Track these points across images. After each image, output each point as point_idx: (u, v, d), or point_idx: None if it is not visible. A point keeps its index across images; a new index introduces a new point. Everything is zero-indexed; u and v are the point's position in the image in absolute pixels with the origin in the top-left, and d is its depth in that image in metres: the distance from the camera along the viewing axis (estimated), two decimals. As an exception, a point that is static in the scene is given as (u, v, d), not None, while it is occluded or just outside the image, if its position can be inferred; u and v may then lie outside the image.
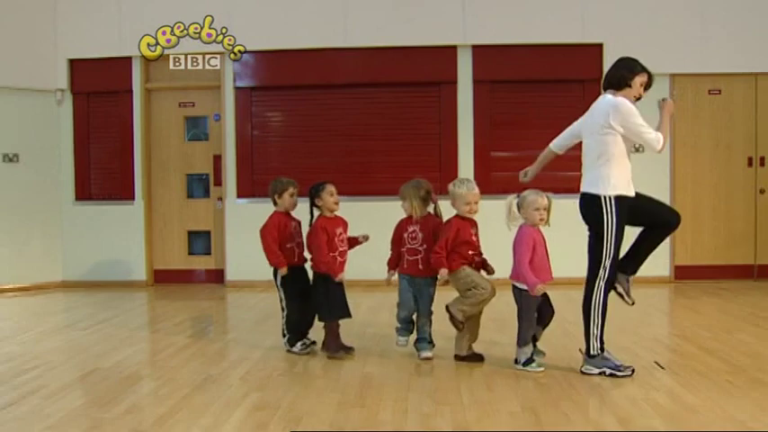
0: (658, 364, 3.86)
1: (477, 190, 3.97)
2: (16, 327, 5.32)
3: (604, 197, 3.61)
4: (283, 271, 4.20)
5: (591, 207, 3.66)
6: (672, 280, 7.02)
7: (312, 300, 4.20)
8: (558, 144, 4.06)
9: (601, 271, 3.64)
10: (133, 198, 7.39)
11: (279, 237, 4.23)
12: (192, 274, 7.52)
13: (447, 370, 3.85)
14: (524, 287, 3.76)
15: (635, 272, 3.84)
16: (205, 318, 5.64)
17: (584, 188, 3.73)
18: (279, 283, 4.27)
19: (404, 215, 4.17)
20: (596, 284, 3.65)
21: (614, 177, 3.61)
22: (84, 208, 7.44)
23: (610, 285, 3.67)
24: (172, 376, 3.80)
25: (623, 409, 3.20)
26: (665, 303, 6.16)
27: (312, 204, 4.23)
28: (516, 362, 3.83)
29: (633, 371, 3.65)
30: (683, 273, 7.04)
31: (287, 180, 4.37)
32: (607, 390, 3.48)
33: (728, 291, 6.50)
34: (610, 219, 3.60)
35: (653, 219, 3.79)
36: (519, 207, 3.79)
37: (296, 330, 4.25)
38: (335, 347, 4.14)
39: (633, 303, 3.84)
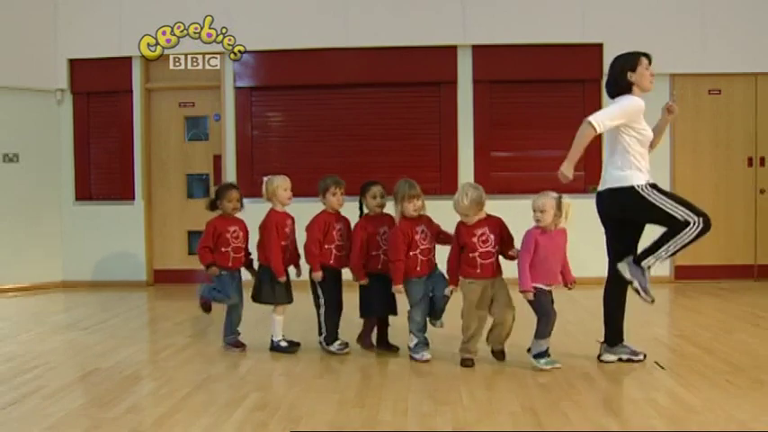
0: (658, 364, 3.86)
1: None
2: (16, 327, 5.31)
3: (638, 186, 3.66)
4: (317, 276, 4.19)
5: (624, 200, 3.68)
6: (672, 280, 7.02)
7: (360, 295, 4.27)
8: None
9: (692, 220, 3.63)
10: (133, 198, 7.39)
11: (322, 237, 4.21)
12: (192, 274, 7.48)
13: (447, 370, 3.85)
14: (536, 285, 3.76)
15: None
16: (205, 318, 5.62)
17: (609, 185, 3.74)
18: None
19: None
20: (691, 226, 3.63)
21: (639, 169, 3.68)
22: (84, 208, 7.44)
23: (707, 227, 3.66)
24: (172, 376, 3.81)
25: (623, 409, 3.20)
26: (665, 303, 6.15)
27: (361, 202, 4.29)
28: (529, 351, 3.85)
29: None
30: (683, 273, 7.04)
31: (331, 179, 4.31)
32: (607, 390, 3.49)
33: (728, 291, 6.49)
34: (650, 194, 3.63)
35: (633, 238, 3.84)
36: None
37: (332, 330, 4.26)
38: (365, 343, 4.29)
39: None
